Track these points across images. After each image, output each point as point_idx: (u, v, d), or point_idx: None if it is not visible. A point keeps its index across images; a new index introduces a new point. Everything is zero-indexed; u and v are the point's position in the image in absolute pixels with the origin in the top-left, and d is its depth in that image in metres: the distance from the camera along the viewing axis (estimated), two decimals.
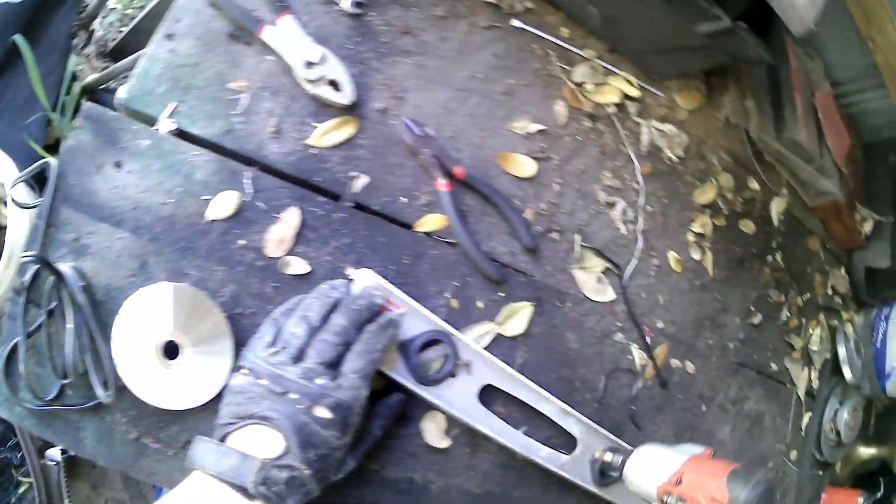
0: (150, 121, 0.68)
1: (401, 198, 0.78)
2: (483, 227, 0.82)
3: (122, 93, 0.68)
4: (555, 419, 0.82)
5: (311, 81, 0.73)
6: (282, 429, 0.58)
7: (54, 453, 0.92)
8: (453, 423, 0.78)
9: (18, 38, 0.89)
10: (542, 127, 0.87)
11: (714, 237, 1.03)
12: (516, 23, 0.87)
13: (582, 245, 0.88)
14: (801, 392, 1.18)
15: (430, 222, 0.79)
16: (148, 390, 0.64)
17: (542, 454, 0.81)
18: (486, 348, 0.80)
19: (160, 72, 0.68)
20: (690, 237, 0.99)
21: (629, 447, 0.87)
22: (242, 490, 0.56)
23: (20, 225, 0.72)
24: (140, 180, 0.67)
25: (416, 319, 0.74)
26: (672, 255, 0.97)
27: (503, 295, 0.82)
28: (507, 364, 0.80)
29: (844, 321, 1.29)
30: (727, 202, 1.05)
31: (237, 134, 0.71)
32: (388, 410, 0.72)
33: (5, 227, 0.73)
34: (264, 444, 0.58)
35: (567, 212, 0.88)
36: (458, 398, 0.76)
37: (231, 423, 0.59)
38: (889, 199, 1.28)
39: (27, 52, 0.90)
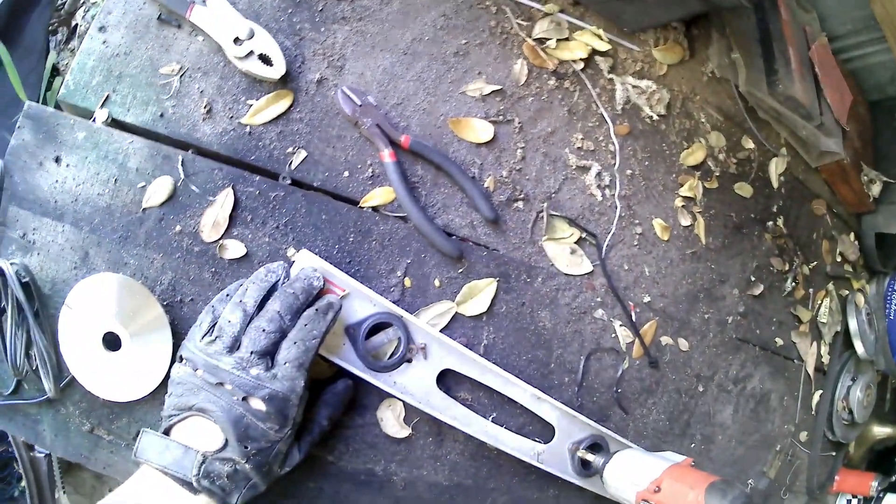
0: (89, 114, 0.65)
1: (343, 172, 0.70)
2: (437, 199, 0.73)
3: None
4: (527, 405, 0.72)
5: (241, 58, 0.67)
6: (219, 421, 0.54)
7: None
8: (413, 411, 0.69)
9: None
10: (499, 88, 0.76)
11: (706, 202, 0.91)
12: None
13: (551, 214, 0.77)
14: (811, 368, 1.06)
15: (376, 196, 0.70)
16: (94, 382, 0.62)
17: (514, 444, 0.72)
18: (445, 329, 0.71)
19: (94, 64, 0.65)
20: (678, 202, 0.88)
21: (614, 435, 0.77)
22: (187, 485, 0.53)
23: None
24: (78, 173, 0.64)
25: (362, 301, 0.65)
26: (658, 223, 0.85)
27: (462, 271, 0.73)
28: (472, 346, 0.71)
29: (855, 291, 1.16)
30: (719, 163, 0.93)
31: (169, 118, 0.66)
32: (334, 399, 0.65)
33: None
34: (205, 436, 0.55)
35: (533, 178, 0.78)
36: (414, 385, 0.67)
37: (174, 415, 0.56)
38: None
39: (5, 55, 0.88)
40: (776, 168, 1.01)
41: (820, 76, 1.02)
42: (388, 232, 0.70)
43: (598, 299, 0.80)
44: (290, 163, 0.68)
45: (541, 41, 0.79)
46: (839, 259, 1.12)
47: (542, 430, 0.75)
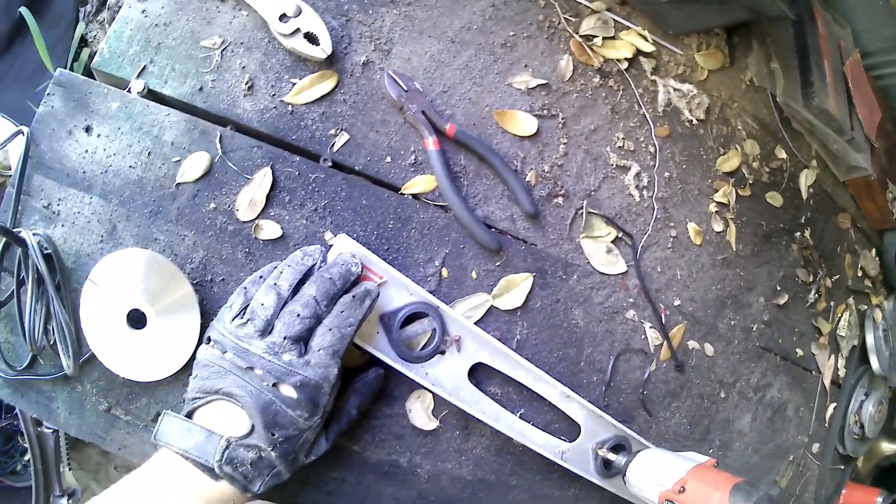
0: (123, 84, 0.62)
1: (385, 157, 0.66)
2: (478, 190, 0.69)
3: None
4: (556, 403, 0.69)
5: (287, 35, 0.64)
6: (246, 406, 0.51)
7: None
8: (442, 404, 0.66)
9: (24, 11, 0.87)
10: (544, 82, 0.73)
11: (738, 209, 0.87)
12: None
13: (590, 211, 0.74)
14: (827, 381, 1.02)
15: (417, 184, 0.67)
16: (116, 360, 0.58)
17: (540, 441, 0.68)
18: (479, 322, 0.67)
19: (131, 33, 0.62)
20: (712, 207, 0.84)
21: (637, 437, 0.73)
22: (209, 470, 0.50)
23: None
24: (109, 144, 0.61)
25: (398, 290, 0.62)
26: (692, 227, 0.82)
27: (500, 264, 0.70)
28: (505, 340, 0.68)
29: (873, 306, 1.12)
30: (753, 171, 0.89)
31: (209, 92, 0.63)
32: (365, 388, 0.62)
33: None
34: (230, 421, 0.52)
35: (574, 175, 0.74)
36: (445, 377, 0.64)
37: (198, 398, 0.53)
38: None
39: (33, 24, 0.86)
40: (806, 180, 0.97)
41: (852, 91, 0.98)
42: (427, 220, 0.67)
43: (631, 300, 0.77)
44: (332, 145, 0.65)
45: (587, 38, 0.76)
46: (860, 274, 1.09)
47: (568, 429, 0.72)
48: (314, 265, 0.56)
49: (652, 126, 0.79)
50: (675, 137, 0.81)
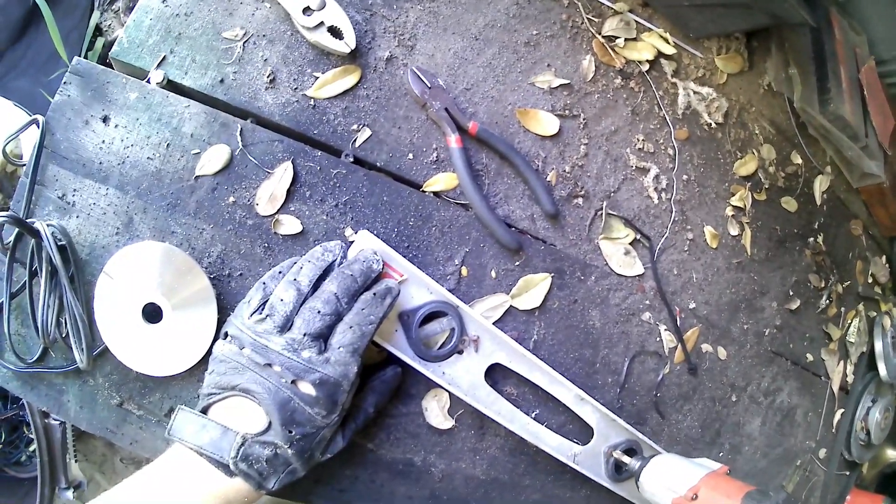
0: (142, 74, 0.59)
1: (407, 154, 0.64)
2: (499, 189, 0.67)
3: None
4: (570, 406, 0.67)
5: (310, 28, 0.61)
6: (263, 403, 0.49)
7: None
8: (458, 403, 0.64)
9: None
10: (567, 82, 0.70)
11: (754, 213, 0.86)
12: None
13: (609, 213, 0.72)
14: (836, 386, 1.00)
15: (439, 181, 0.65)
16: (130, 354, 0.56)
17: (553, 443, 0.66)
18: (497, 322, 0.65)
19: (151, 23, 0.59)
20: (729, 211, 0.82)
21: (648, 441, 0.71)
22: (223, 467, 0.48)
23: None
24: (127, 134, 0.58)
25: (418, 288, 0.60)
26: (708, 230, 0.80)
27: (519, 264, 0.68)
28: (522, 341, 0.66)
29: (883, 313, 1.10)
30: (769, 176, 0.87)
31: (230, 84, 0.61)
32: (382, 386, 0.60)
33: None
34: (246, 417, 0.50)
35: (594, 175, 0.72)
36: (462, 376, 0.62)
37: (214, 394, 0.51)
38: None
39: (47, 12, 0.83)
40: (820, 185, 0.95)
41: (867, 98, 0.96)
42: (448, 218, 0.65)
43: (647, 302, 0.75)
44: (354, 140, 0.63)
45: (609, 39, 0.74)
46: (871, 280, 1.07)
47: (581, 431, 0.70)
48: (334, 261, 0.54)
49: (672, 128, 0.77)
50: (694, 140, 0.79)
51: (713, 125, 0.81)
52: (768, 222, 0.87)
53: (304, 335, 0.49)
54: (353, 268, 0.53)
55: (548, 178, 0.69)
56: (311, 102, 0.62)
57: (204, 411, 0.51)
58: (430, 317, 0.60)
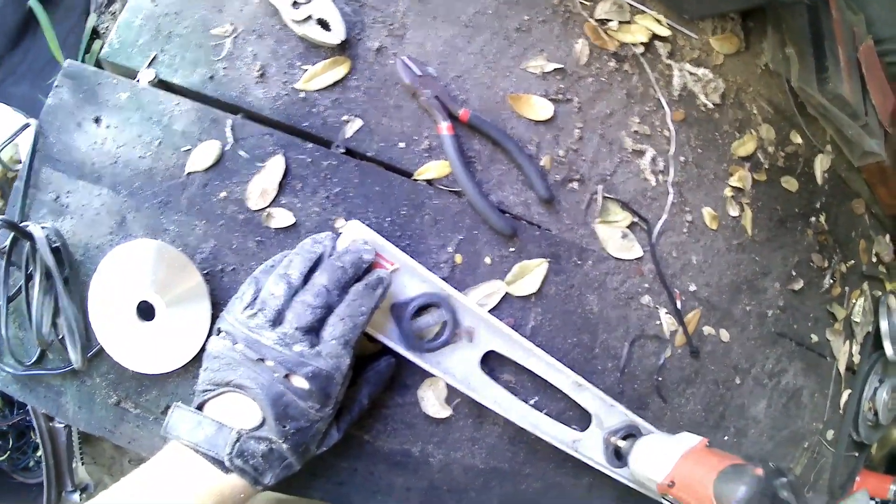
0: (133, 74, 0.58)
1: (398, 143, 0.63)
2: (492, 176, 0.65)
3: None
4: (568, 392, 0.65)
5: (299, 22, 0.60)
6: (257, 398, 0.48)
7: None
8: (454, 392, 0.62)
9: (34, 3, 0.82)
10: (560, 66, 0.68)
11: (754, 193, 0.83)
12: None
13: (605, 196, 0.69)
14: (842, 367, 0.97)
15: (431, 169, 0.63)
16: (124, 353, 0.55)
17: (552, 431, 0.65)
18: (493, 309, 0.63)
19: (141, 23, 0.58)
20: (728, 192, 0.80)
21: (648, 426, 0.69)
22: (219, 463, 0.47)
23: None
24: (119, 134, 0.57)
25: (411, 277, 0.58)
26: (707, 211, 0.77)
27: (514, 250, 0.66)
28: (519, 327, 0.64)
29: (888, 292, 1.07)
30: (768, 156, 0.84)
31: (220, 80, 0.60)
32: (376, 377, 0.59)
33: None
34: (241, 413, 0.49)
35: (589, 159, 0.70)
36: (457, 365, 0.61)
37: (209, 390, 0.50)
38: None
39: (43, 16, 0.82)
40: (821, 165, 0.93)
41: (866, 77, 0.93)
42: (441, 206, 0.63)
43: (646, 285, 0.73)
44: (345, 131, 0.61)
45: (602, 22, 0.71)
46: (875, 259, 1.03)
47: (581, 417, 0.68)
48: (324, 252, 0.52)
49: (668, 110, 0.74)
50: (691, 122, 0.77)
51: (710, 106, 0.78)
52: (769, 202, 0.85)
53: (296, 329, 0.48)
54: (343, 259, 0.52)
55: (542, 164, 0.67)
56: (301, 95, 0.60)
57: (199, 408, 0.50)
58: (424, 309, 0.59)
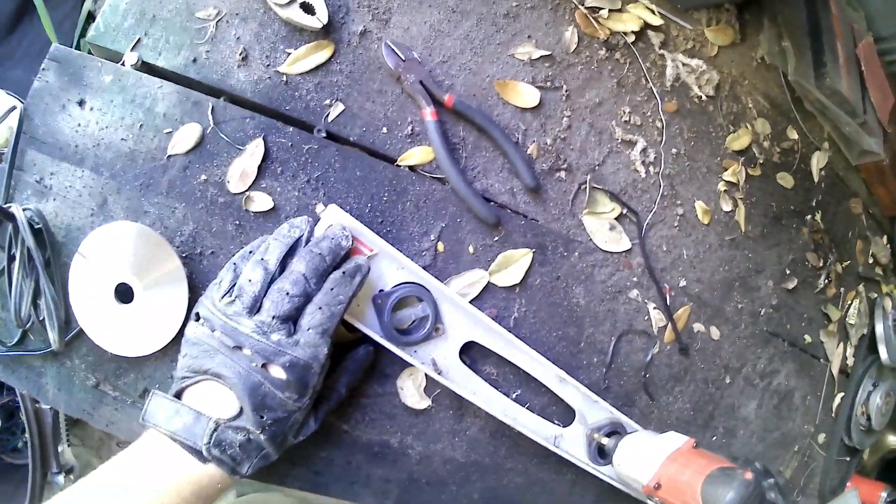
0: (118, 57, 0.57)
1: (381, 128, 0.61)
2: (477, 163, 0.63)
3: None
4: (550, 386, 0.63)
5: (282, 5, 0.58)
6: (234, 388, 0.47)
7: None
8: (434, 383, 0.60)
9: None
10: (548, 53, 0.66)
11: (748, 188, 0.80)
12: None
13: (594, 186, 0.67)
14: (835, 369, 0.95)
15: (414, 155, 0.61)
16: (103, 335, 0.54)
17: (532, 425, 0.62)
18: (475, 300, 0.61)
19: (126, 6, 0.57)
20: (721, 186, 0.77)
21: (633, 424, 0.66)
22: (196, 453, 0.46)
23: None
24: (102, 117, 0.56)
25: (389, 263, 0.56)
26: (700, 205, 0.75)
27: (498, 239, 0.64)
28: (501, 318, 0.62)
29: (884, 295, 1.03)
30: (763, 151, 0.82)
31: (203, 63, 0.58)
32: (354, 366, 0.57)
33: None
34: (219, 402, 0.48)
35: (577, 149, 0.67)
36: (435, 355, 0.57)
37: (187, 377, 0.49)
38: None
39: (39, 1, 0.80)
40: (818, 162, 0.90)
41: (865, 75, 0.90)
42: (424, 193, 0.61)
43: (634, 279, 0.70)
44: (327, 115, 0.59)
45: (593, 10, 0.69)
46: (871, 261, 1.00)
47: (565, 412, 0.66)
48: (301, 237, 0.51)
49: (660, 101, 0.72)
50: (684, 113, 0.74)
51: (704, 98, 0.75)
52: (763, 198, 0.82)
53: (273, 317, 0.46)
54: (321, 245, 0.50)
55: (528, 151, 0.65)
56: (284, 79, 0.58)
57: (178, 395, 0.48)
58: (404, 301, 0.56)
